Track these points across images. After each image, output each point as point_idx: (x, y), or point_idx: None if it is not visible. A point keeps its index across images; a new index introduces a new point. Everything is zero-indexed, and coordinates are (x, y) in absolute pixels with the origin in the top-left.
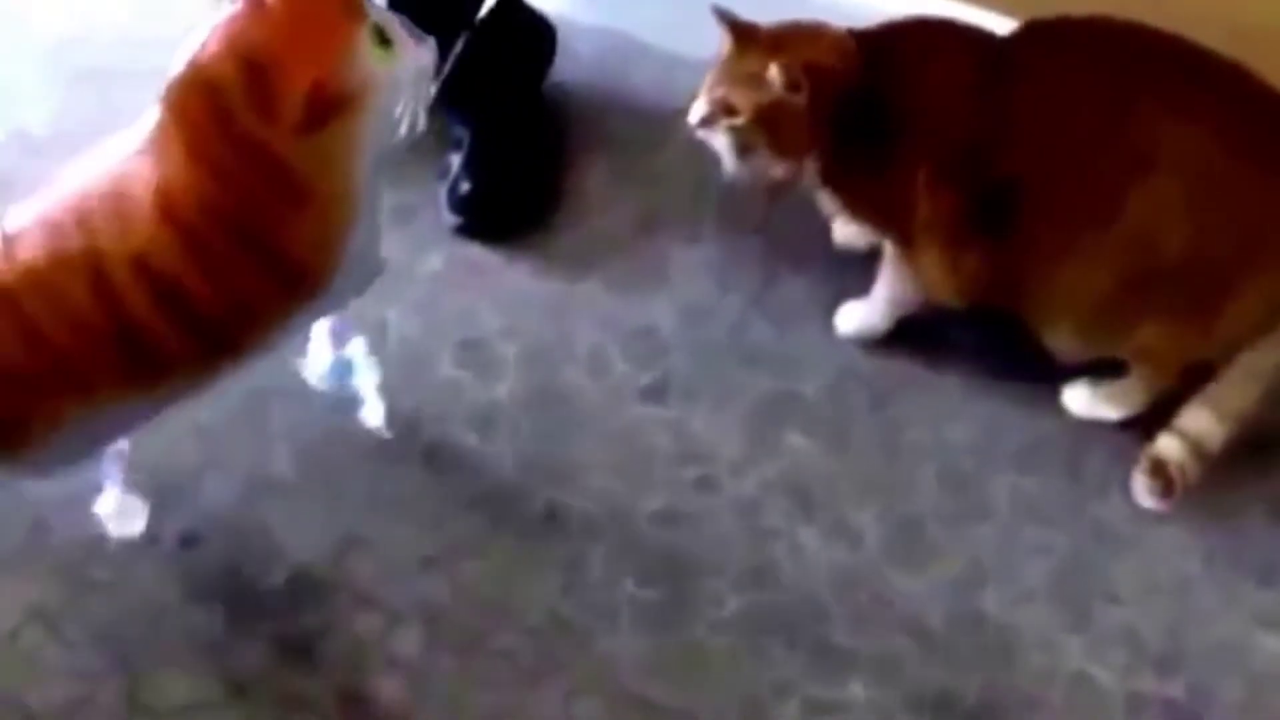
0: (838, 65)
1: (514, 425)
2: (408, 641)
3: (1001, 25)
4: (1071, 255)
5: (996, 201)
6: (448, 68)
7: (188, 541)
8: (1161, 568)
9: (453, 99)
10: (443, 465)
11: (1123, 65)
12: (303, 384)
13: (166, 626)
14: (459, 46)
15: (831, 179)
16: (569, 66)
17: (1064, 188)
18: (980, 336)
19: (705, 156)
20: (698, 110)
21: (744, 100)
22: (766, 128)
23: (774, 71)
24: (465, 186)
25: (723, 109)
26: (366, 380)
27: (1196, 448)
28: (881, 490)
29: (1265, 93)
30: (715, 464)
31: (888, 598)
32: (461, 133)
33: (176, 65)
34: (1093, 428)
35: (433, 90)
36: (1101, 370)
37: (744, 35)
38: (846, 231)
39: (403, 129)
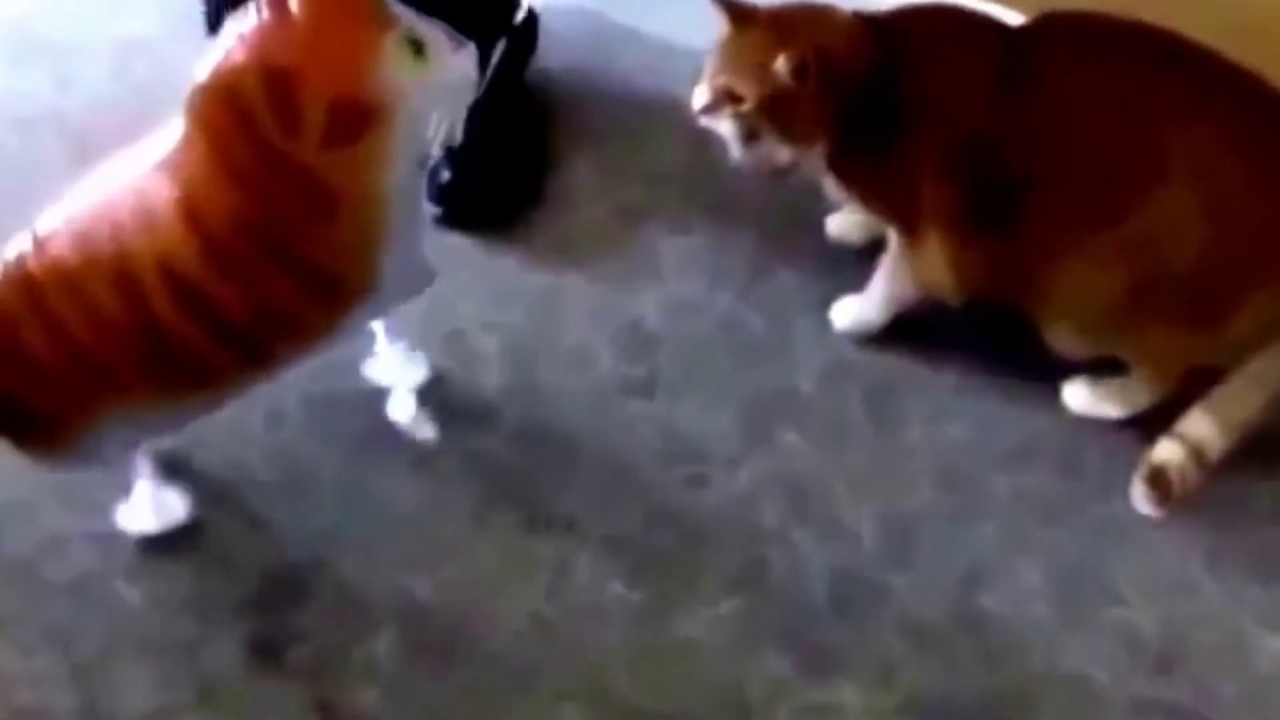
0: (846, 51)
1: (497, 421)
2: (385, 647)
3: (1009, 15)
4: (1078, 256)
5: (1004, 197)
6: (489, 73)
7: (152, 542)
8: (1163, 567)
9: None
10: (424, 462)
11: (1143, 68)
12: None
13: (129, 630)
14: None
15: (838, 165)
16: (553, 52)
17: (1075, 187)
18: (978, 332)
19: (694, 146)
20: (700, 97)
21: (748, 88)
22: (773, 116)
23: (780, 62)
24: (445, 176)
25: (726, 97)
26: (401, 376)
27: (1197, 454)
28: (877, 488)
29: None
30: (706, 461)
31: (883, 598)
32: None
33: (201, 73)
34: (1092, 425)
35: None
36: (1102, 368)
37: (742, 17)
38: (841, 224)
39: (438, 140)
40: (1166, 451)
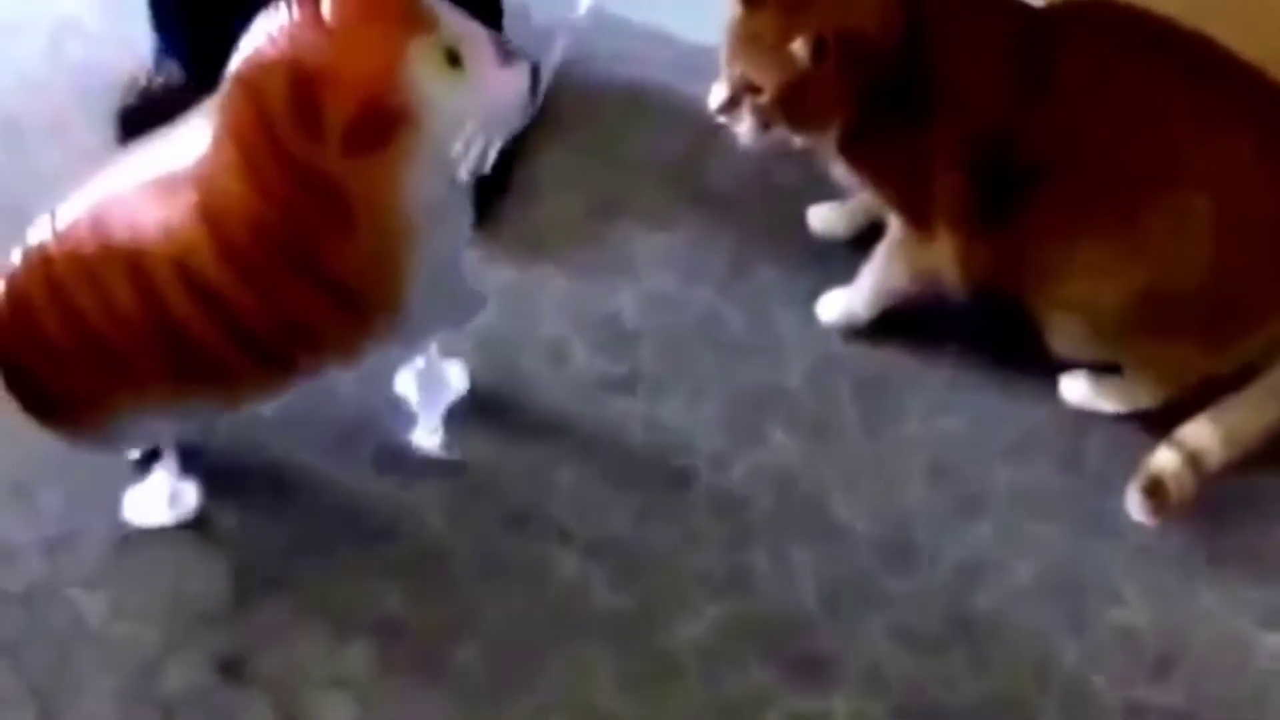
0: (873, 27)
1: (473, 421)
2: (357, 657)
3: None
4: (1087, 256)
5: (1015, 188)
6: (544, 84)
7: (114, 553)
8: (1163, 565)
9: None
10: (397, 465)
11: (1168, 68)
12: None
13: (89, 645)
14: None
15: (851, 148)
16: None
17: (1087, 185)
18: (971, 324)
19: (669, 134)
20: (718, 95)
21: (767, 77)
22: (792, 104)
23: (798, 44)
24: None
25: (745, 88)
26: (430, 400)
27: (1194, 462)
28: (868, 487)
29: None
30: (690, 461)
31: (874, 601)
32: None
33: (233, 68)
34: (1092, 418)
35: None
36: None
37: None
38: (824, 217)
39: (467, 161)
40: (1164, 459)
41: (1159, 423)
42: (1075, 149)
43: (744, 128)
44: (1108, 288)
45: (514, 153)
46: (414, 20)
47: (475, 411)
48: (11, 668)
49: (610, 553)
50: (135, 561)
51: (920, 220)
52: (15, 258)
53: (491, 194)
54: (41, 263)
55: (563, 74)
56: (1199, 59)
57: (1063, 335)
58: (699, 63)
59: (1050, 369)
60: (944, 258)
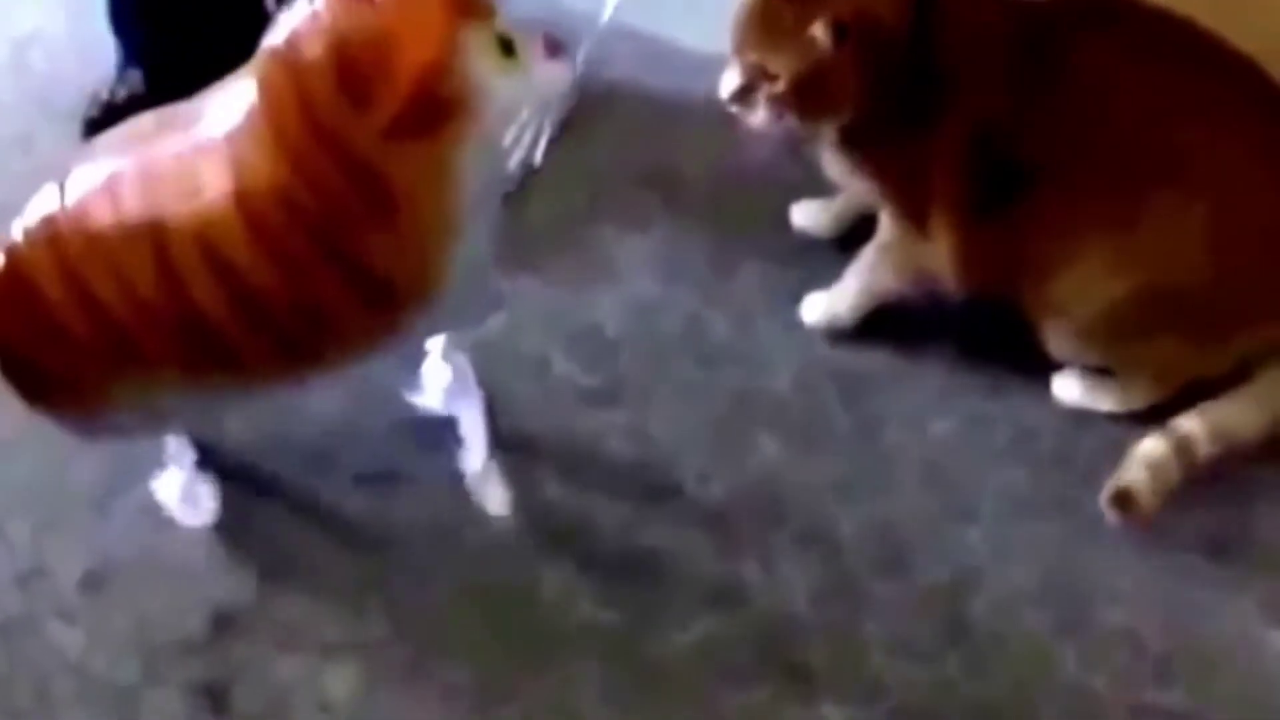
0: (889, 16)
1: (454, 435)
2: (340, 680)
3: None
4: (1086, 254)
5: (1014, 185)
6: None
7: (89, 582)
8: (1163, 563)
9: None
10: (377, 483)
11: (1169, 67)
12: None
13: (68, 676)
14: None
15: (852, 141)
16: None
17: (1086, 183)
18: (960, 324)
19: (644, 137)
20: (730, 83)
21: (784, 63)
22: (808, 91)
23: (818, 28)
24: None
25: (761, 76)
26: (467, 415)
27: (1181, 450)
28: (858, 493)
29: None
30: (676, 471)
31: (866, 610)
32: None
33: (272, 38)
34: (1085, 417)
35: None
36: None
37: None
38: (808, 214)
39: (516, 157)
40: (1134, 472)
41: (1154, 421)
42: (1075, 147)
43: (758, 117)
44: (1106, 286)
45: None
46: (471, 5)
47: (455, 425)
48: None
49: (597, 566)
50: (110, 592)
51: (916, 217)
52: (15, 232)
53: None
54: (49, 239)
55: None
56: (1202, 57)
57: (1059, 336)
58: (666, 58)
59: (1042, 368)
60: (939, 257)
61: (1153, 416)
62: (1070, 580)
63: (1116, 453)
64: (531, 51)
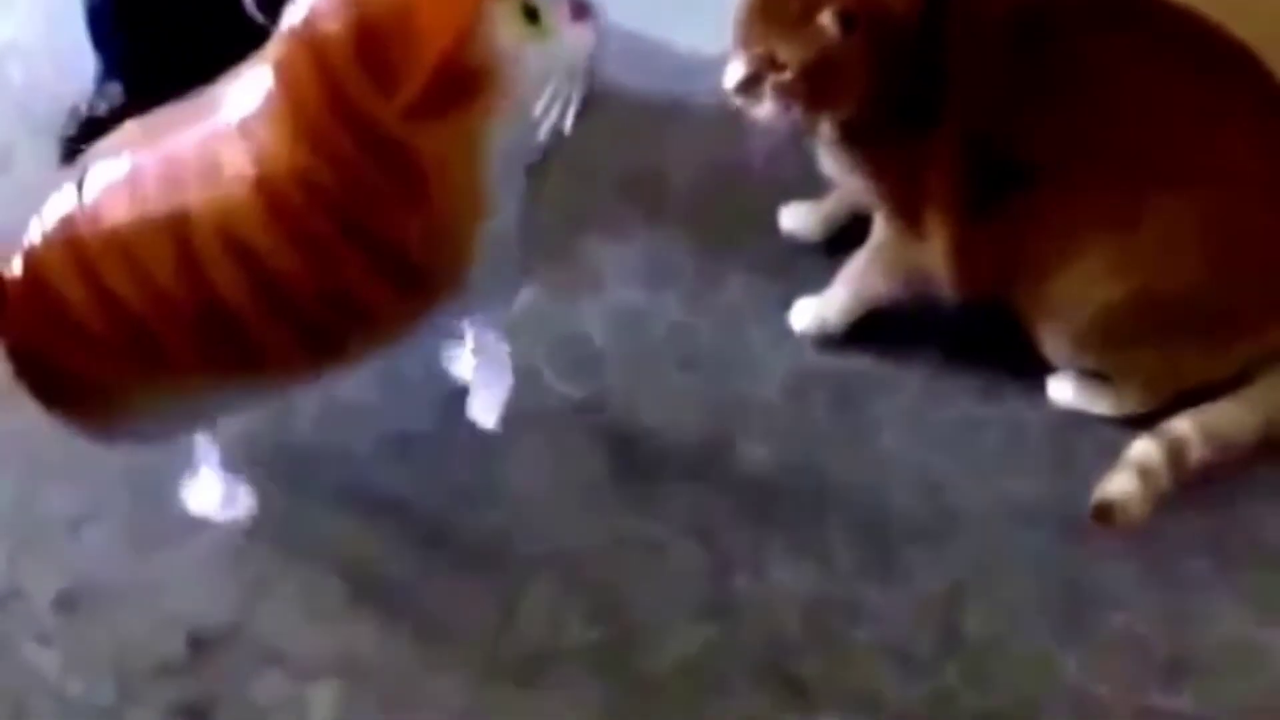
0: (899, 5)
1: (438, 450)
2: (322, 702)
3: None
4: (1084, 259)
5: (1012, 184)
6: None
7: (64, 604)
8: (1166, 566)
9: None
10: (359, 497)
11: (1171, 64)
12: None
13: (45, 698)
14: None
15: (853, 136)
16: None
17: (1086, 183)
18: (951, 327)
19: (627, 140)
20: (736, 72)
21: (791, 52)
22: (817, 81)
23: (827, 17)
24: None
25: (768, 65)
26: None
27: (1174, 453)
28: (850, 502)
29: None
30: (663, 483)
31: (861, 621)
32: None
33: (289, 19)
34: (1081, 418)
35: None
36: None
37: None
38: (797, 217)
39: (546, 126)
40: (1122, 480)
41: (1151, 423)
42: (1075, 146)
43: (764, 109)
44: (1104, 289)
45: None
46: None
47: (439, 437)
48: None
49: (584, 583)
50: (87, 613)
51: (912, 217)
52: (33, 234)
53: None
54: (66, 239)
55: None
56: (1206, 54)
57: (1055, 339)
58: (652, 58)
59: (1035, 369)
60: (934, 257)
61: (1150, 418)
62: (1070, 585)
63: (1113, 454)
64: (556, 16)
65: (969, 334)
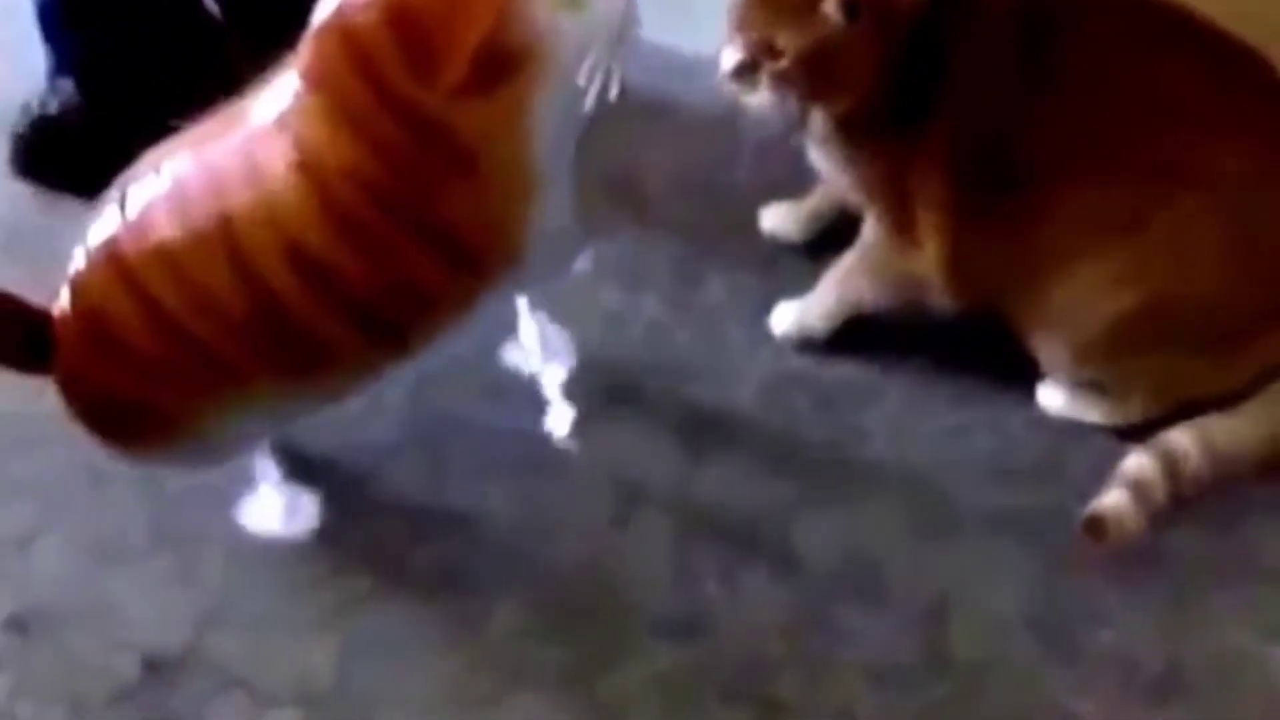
0: None
1: (404, 461)
2: None
3: None
4: (1088, 262)
5: (1010, 187)
6: None
7: (15, 626)
8: (1156, 580)
9: None
10: (320, 517)
11: (1177, 63)
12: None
13: None
14: None
15: (848, 131)
16: None
17: (1090, 185)
18: (937, 332)
19: (605, 137)
20: (731, 57)
21: (791, 38)
22: (816, 69)
23: (830, 4)
24: None
25: (765, 51)
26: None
27: (1170, 467)
28: (832, 513)
29: None
30: (637, 493)
31: (842, 639)
32: None
33: (320, 13)
34: (1072, 427)
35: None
36: None
37: None
38: (779, 218)
39: (592, 94)
40: (1114, 496)
41: (1146, 432)
42: (1080, 144)
43: (759, 98)
44: (1114, 297)
45: None
46: None
47: (403, 448)
48: None
49: (552, 599)
50: (37, 636)
51: (903, 217)
52: (79, 260)
53: None
54: (110, 260)
55: None
56: (1217, 53)
57: (1054, 349)
58: (635, 57)
59: (1024, 376)
60: (927, 263)
61: (1143, 426)
62: (1058, 601)
63: (1105, 465)
64: None
65: (956, 339)
